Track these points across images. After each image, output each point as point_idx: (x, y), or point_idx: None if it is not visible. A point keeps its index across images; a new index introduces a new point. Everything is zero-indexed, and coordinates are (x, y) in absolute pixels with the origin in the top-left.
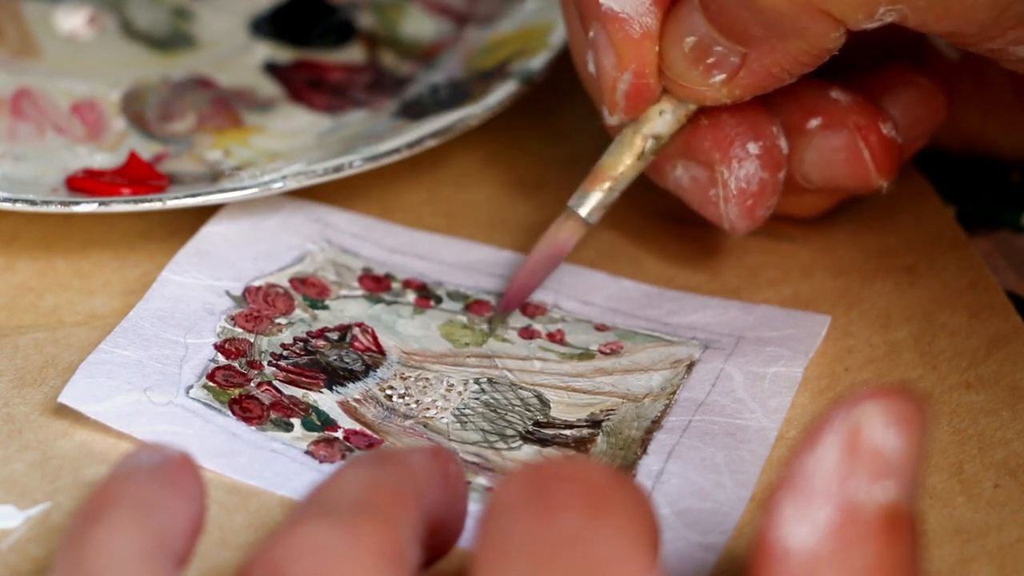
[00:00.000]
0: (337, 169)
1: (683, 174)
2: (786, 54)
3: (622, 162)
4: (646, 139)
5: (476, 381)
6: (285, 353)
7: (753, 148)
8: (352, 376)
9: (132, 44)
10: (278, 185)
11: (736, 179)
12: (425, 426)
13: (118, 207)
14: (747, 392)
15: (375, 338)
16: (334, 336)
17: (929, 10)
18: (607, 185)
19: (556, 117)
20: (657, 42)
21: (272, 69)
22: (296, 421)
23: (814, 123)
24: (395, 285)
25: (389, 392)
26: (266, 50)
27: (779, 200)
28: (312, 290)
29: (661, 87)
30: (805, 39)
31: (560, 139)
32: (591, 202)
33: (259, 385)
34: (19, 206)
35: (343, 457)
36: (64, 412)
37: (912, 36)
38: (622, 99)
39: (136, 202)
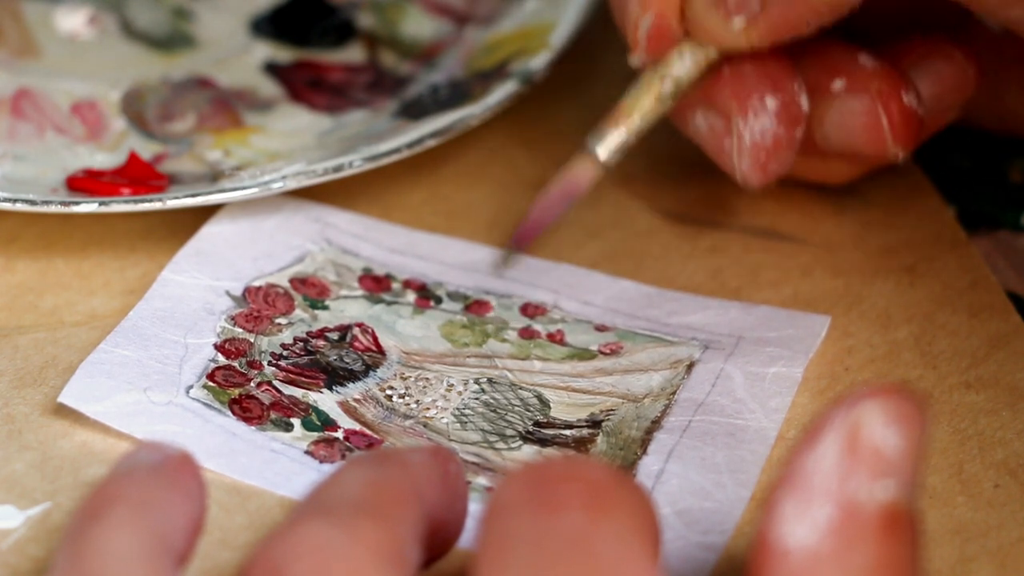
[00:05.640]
0: (337, 169)
1: (702, 122)
2: (805, 3)
3: (640, 102)
4: (664, 80)
5: (476, 381)
6: (285, 353)
7: (771, 102)
8: (352, 376)
9: (132, 44)
10: (278, 185)
11: (751, 131)
12: (425, 426)
13: (118, 207)
14: (747, 392)
15: (375, 338)
16: (334, 336)
17: None
18: (623, 123)
19: (556, 117)
20: None
21: (272, 69)
22: (296, 421)
23: (837, 85)
24: (395, 285)
25: (389, 392)
26: (266, 50)
27: (806, 165)
28: (312, 290)
29: (683, 30)
30: None
31: (560, 139)
32: (608, 141)
33: (259, 385)
34: (19, 206)
35: (343, 457)
36: (64, 412)
37: (956, 7)
38: (644, 40)
39: (136, 202)
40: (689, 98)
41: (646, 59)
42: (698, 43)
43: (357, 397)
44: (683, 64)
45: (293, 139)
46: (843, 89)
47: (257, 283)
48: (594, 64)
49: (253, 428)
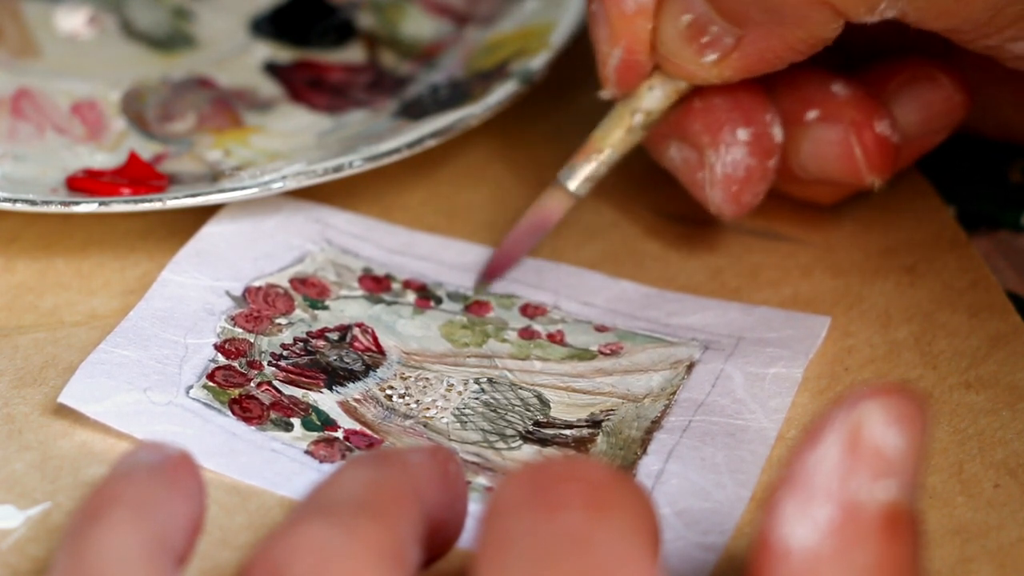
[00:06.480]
0: (337, 169)
1: (676, 154)
2: (782, 40)
3: (610, 135)
4: (635, 114)
5: (476, 381)
6: (285, 353)
7: (743, 134)
8: (352, 376)
9: (132, 44)
10: (278, 185)
11: (723, 164)
12: (425, 426)
13: (118, 207)
14: (747, 393)
15: (375, 338)
16: (334, 336)
17: (928, 8)
18: (594, 157)
19: (556, 117)
20: (651, 19)
21: (272, 69)
22: (296, 421)
23: (811, 115)
24: (395, 286)
25: (389, 392)
26: (266, 50)
27: (791, 188)
28: (312, 290)
29: (652, 64)
30: (803, 27)
31: (560, 139)
32: (578, 174)
33: (259, 385)
34: (19, 206)
35: (343, 457)
36: (64, 412)
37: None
38: (612, 74)
39: (136, 202)
40: (662, 130)
41: (616, 93)
42: (668, 76)
43: (357, 397)
44: (653, 97)
45: (293, 139)
46: (817, 119)
47: (257, 283)
48: (593, 65)
49: (253, 428)
